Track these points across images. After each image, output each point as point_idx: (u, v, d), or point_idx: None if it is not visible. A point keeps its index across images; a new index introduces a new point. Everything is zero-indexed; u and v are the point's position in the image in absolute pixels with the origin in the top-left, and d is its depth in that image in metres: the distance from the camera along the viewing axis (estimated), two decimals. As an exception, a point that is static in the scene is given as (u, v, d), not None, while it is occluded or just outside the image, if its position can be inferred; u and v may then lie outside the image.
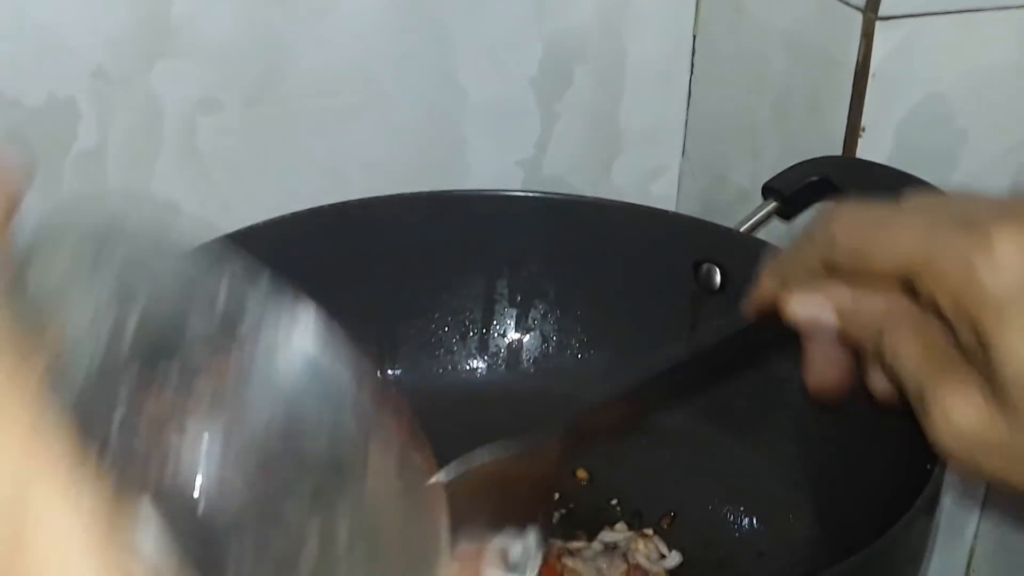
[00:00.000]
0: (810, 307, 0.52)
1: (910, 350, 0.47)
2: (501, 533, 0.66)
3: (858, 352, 0.52)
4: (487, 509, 0.66)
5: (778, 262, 0.54)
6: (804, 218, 0.81)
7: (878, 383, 0.52)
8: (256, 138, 0.83)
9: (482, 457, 0.65)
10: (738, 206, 0.86)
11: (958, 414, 0.45)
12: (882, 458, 0.68)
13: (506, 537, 0.67)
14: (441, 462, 0.76)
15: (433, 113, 0.88)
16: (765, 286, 0.54)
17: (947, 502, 0.64)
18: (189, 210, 0.82)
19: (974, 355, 0.45)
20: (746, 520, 0.75)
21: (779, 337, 0.54)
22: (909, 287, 0.47)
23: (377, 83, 0.86)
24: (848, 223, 0.50)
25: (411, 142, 0.88)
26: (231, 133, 0.82)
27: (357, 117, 0.86)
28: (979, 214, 0.45)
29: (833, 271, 0.50)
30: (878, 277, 0.48)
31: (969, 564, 0.96)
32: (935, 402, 0.46)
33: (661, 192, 0.96)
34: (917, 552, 0.61)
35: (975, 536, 0.95)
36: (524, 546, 0.67)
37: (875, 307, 0.49)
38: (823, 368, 0.53)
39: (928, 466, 0.61)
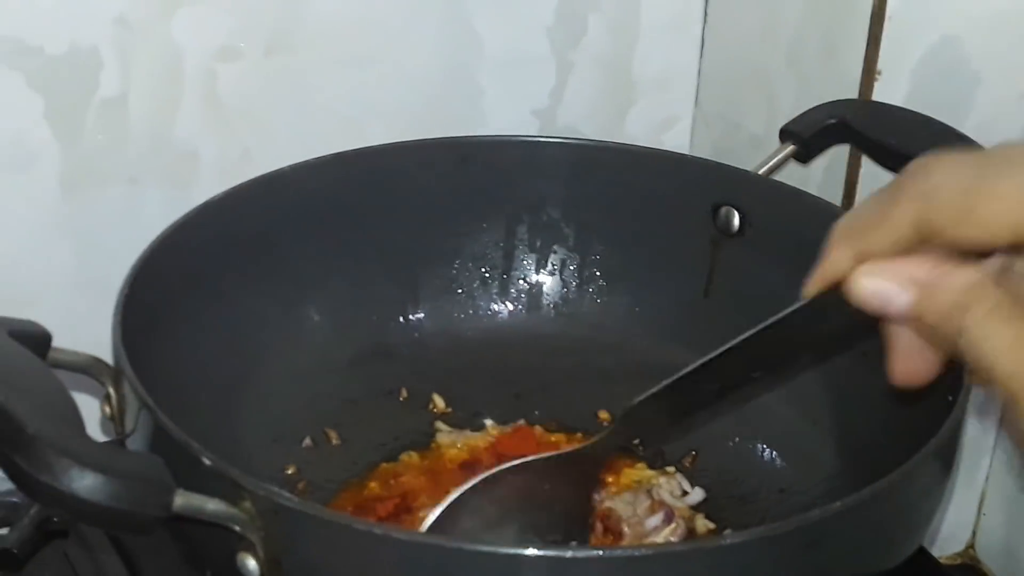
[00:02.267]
0: (886, 284, 0.42)
1: (1004, 337, 0.40)
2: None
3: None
4: (531, 513, 0.64)
5: (851, 225, 0.44)
6: (820, 162, 0.82)
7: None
8: (275, 86, 0.84)
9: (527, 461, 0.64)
10: (751, 154, 0.86)
11: None
12: (903, 393, 0.69)
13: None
14: (462, 404, 0.78)
15: (449, 62, 0.89)
16: (837, 257, 0.44)
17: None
18: (210, 157, 0.83)
19: None
20: (768, 457, 0.75)
21: (849, 320, 0.44)
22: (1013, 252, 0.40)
23: (394, 31, 0.86)
24: (953, 175, 0.41)
25: (427, 91, 0.89)
26: (251, 81, 0.83)
27: (374, 65, 0.86)
28: None
29: (928, 237, 0.41)
30: (982, 241, 0.41)
31: (980, 508, 0.97)
32: None
33: (674, 141, 0.96)
34: (938, 484, 0.61)
35: (986, 479, 0.96)
36: None
37: (961, 283, 0.41)
38: (911, 358, 0.45)
39: (949, 398, 0.62)
